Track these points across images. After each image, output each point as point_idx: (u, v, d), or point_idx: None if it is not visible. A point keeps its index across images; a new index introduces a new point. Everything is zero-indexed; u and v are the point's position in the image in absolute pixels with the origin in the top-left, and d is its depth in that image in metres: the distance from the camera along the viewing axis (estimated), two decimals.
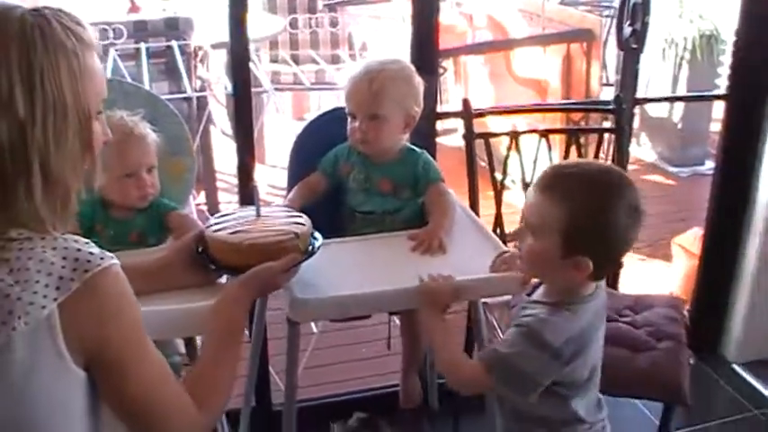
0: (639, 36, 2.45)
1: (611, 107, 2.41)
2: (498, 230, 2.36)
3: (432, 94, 2.39)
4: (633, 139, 5.24)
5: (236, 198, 2.16)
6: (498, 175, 2.38)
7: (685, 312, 2.25)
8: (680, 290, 3.30)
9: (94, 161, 1.20)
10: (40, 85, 1.07)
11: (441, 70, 5.39)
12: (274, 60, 5.48)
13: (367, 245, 1.89)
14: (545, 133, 2.36)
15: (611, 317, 2.17)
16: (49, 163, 1.10)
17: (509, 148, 2.34)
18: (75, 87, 1.11)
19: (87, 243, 1.12)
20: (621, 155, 2.43)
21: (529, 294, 1.55)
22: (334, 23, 5.60)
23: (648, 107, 4.97)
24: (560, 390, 1.49)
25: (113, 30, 3.58)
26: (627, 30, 2.45)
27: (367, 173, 2.02)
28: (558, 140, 2.61)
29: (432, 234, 1.85)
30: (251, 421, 2.32)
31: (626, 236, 1.42)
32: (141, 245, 1.88)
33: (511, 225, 2.32)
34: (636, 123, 5.20)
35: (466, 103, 2.31)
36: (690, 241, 3.28)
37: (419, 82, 2.01)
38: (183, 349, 1.96)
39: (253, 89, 2.28)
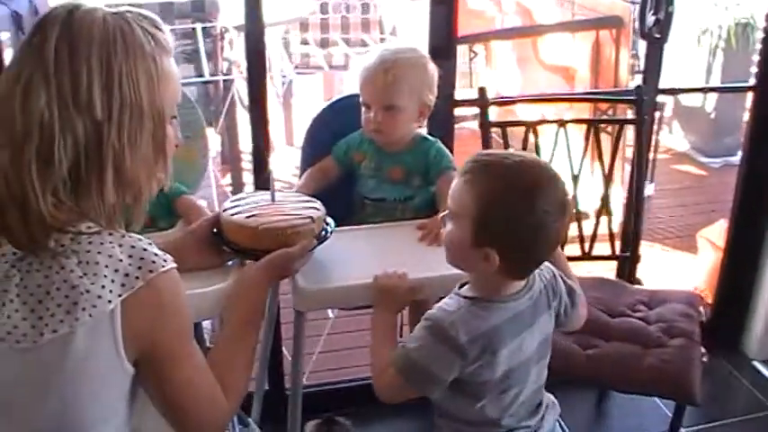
0: (663, 25, 2.39)
1: (632, 97, 2.36)
2: None
3: (449, 81, 2.36)
4: (665, 129, 5.18)
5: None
6: None
7: (701, 309, 2.19)
8: (705, 284, 3.25)
9: (167, 164, 1.23)
10: (119, 88, 1.10)
11: (471, 54, 5.38)
12: (305, 43, 5.49)
13: (374, 233, 1.87)
14: (563, 123, 2.31)
15: (623, 312, 2.15)
16: (124, 163, 1.12)
17: (525, 138, 2.30)
18: (151, 91, 1.14)
19: (151, 244, 1.14)
20: (641, 146, 2.38)
21: (461, 286, 1.47)
22: (365, 7, 5.59)
23: (681, 96, 4.89)
24: (467, 388, 1.43)
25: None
26: (650, 19, 2.39)
27: (378, 161, 2.01)
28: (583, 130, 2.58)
29: (439, 224, 1.82)
30: (264, 404, 2.32)
31: (541, 233, 1.34)
32: (152, 228, 1.88)
33: None
34: (668, 112, 5.14)
35: (482, 91, 2.28)
36: (716, 234, 3.22)
37: (434, 69, 1.99)
38: None
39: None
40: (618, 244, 2.51)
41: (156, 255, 1.13)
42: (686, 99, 4.95)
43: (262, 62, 2.20)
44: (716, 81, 4.72)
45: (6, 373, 1.09)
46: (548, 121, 2.38)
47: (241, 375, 1.35)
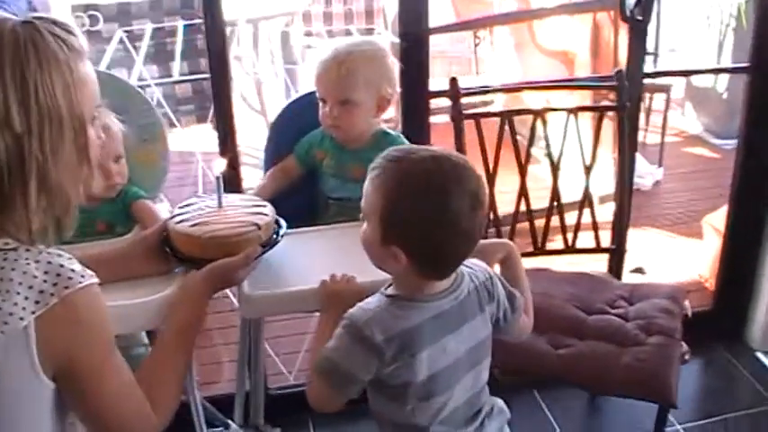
0: (645, 7, 2.29)
1: (612, 84, 2.27)
2: (492, 213, 2.25)
3: (422, 72, 2.29)
4: (678, 110, 5.05)
5: (261, 174, 2.18)
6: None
7: (686, 303, 2.09)
8: (709, 272, 3.15)
9: (92, 167, 1.21)
10: (35, 99, 1.09)
11: (477, 41, 5.29)
12: (308, 34, 5.44)
13: (329, 235, 1.81)
14: (540, 113, 2.23)
15: (601, 309, 2.06)
16: (48, 173, 1.12)
17: (501, 128, 2.22)
18: (69, 97, 1.13)
19: (71, 259, 1.13)
20: (623, 135, 2.29)
21: (388, 287, 1.41)
22: None
23: (693, 77, 4.76)
24: (390, 391, 1.38)
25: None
26: (631, 0, 2.29)
27: (339, 158, 1.95)
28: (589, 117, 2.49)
29: None
30: (245, 405, 2.28)
31: (448, 230, 1.29)
32: (109, 234, 1.87)
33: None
34: (681, 94, 5.01)
35: (453, 81, 2.20)
36: (721, 220, 3.10)
37: (392, 62, 1.94)
38: (146, 340, 1.93)
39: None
40: (609, 235, 2.42)
41: (72, 270, 1.11)
42: (698, 80, 4.82)
43: (223, 60, 2.15)
44: (727, 61, 4.57)
45: None
46: (526, 111, 2.29)
47: (170, 389, 1.32)
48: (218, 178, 1.68)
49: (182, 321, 1.40)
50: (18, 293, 1.07)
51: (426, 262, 1.33)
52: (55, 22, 1.15)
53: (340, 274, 1.53)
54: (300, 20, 5.36)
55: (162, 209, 1.93)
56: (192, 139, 3.93)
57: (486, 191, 1.35)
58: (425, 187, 1.29)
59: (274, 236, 1.61)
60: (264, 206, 1.67)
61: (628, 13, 2.31)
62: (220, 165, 1.66)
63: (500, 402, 1.53)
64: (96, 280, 1.15)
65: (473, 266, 1.44)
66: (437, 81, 2.35)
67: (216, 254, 1.50)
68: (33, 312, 1.07)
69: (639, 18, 2.31)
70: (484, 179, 1.37)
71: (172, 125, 3.63)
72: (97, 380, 1.17)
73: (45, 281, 1.09)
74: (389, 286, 1.41)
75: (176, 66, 3.28)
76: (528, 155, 2.27)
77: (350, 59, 1.85)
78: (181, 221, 1.58)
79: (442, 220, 1.28)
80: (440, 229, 1.29)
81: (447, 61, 6.02)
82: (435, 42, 5.70)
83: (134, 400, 1.23)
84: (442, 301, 1.37)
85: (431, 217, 1.28)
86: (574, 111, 2.25)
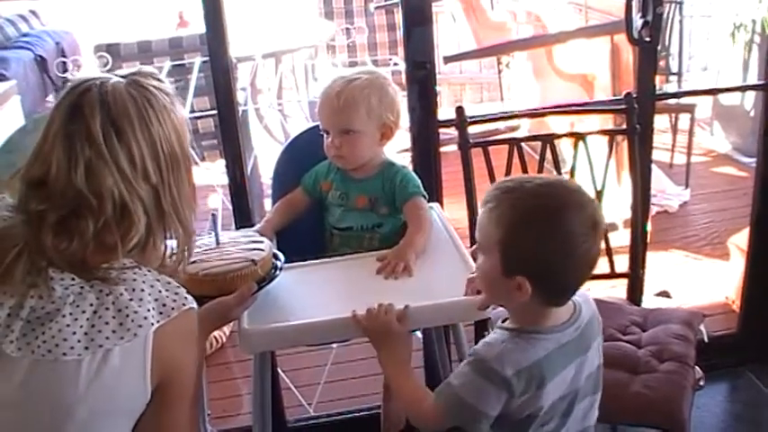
0: (653, 28, 2.26)
1: (621, 107, 2.25)
2: None
3: (430, 103, 2.29)
4: (706, 129, 4.98)
5: None
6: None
7: (701, 328, 2.05)
8: (735, 293, 3.09)
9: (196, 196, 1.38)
10: (162, 151, 1.24)
11: (500, 67, 5.29)
12: (334, 65, 5.48)
13: (331, 268, 1.81)
14: (549, 138, 2.21)
15: (613, 335, 2.03)
16: (179, 210, 1.28)
17: (509, 156, 2.21)
18: (180, 139, 1.29)
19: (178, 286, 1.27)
20: (634, 159, 2.26)
21: (504, 321, 1.44)
22: (391, 26, 5.54)
23: (720, 96, 4.69)
24: (508, 423, 1.38)
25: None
26: (638, 22, 2.27)
27: (344, 189, 1.96)
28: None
29: (398, 255, 1.76)
30: None
31: (570, 256, 1.31)
32: None
33: None
34: (708, 112, 4.95)
35: (459, 110, 2.19)
36: (746, 240, 3.05)
37: (394, 91, 1.93)
38: None
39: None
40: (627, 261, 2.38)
41: (186, 293, 1.25)
42: (725, 99, 4.75)
43: (230, 96, 2.17)
44: (753, 78, 4.50)
45: (42, 383, 1.15)
46: (533, 138, 2.28)
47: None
48: (213, 215, 1.69)
49: None
50: (149, 302, 1.19)
51: (551, 289, 1.35)
52: (151, 75, 1.30)
53: (376, 305, 1.53)
54: (325, 51, 5.41)
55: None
56: (215, 173, 3.97)
57: (603, 213, 1.38)
58: (545, 215, 1.31)
59: (272, 270, 1.62)
60: (261, 242, 1.67)
61: (635, 34, 2.29)
62: (215, 200, 1.67)
63: None
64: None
65: (581, 296, 1.45)
66: (466, 107, 2.32)
67: (211, 291, 1.51)
68: (158, 321, 1.18)
69: (648, 39, 2.28)
70: (597, 202, 1.38)
71: (194, 161, 3.65)
72: (184, 397, 1.27)
73: (167, 295, 1.22)
74: (506, 320, 1.43)
75: (188, 101, 3.31)
76: None
77: (348, 89, 1.85)
78: None
79: (566, 247, 1.30)
80: (563, 256, 1.31)
81: (478, 87, 6.04)
82: (466, 69, 5.74)
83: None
84: (565, 332, 1.39)
85: (554, 244, 1.30)
86: (583, 136, 2.23)
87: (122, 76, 1.27)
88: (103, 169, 1.19)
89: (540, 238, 1.30)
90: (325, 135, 1.92)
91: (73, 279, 1.18)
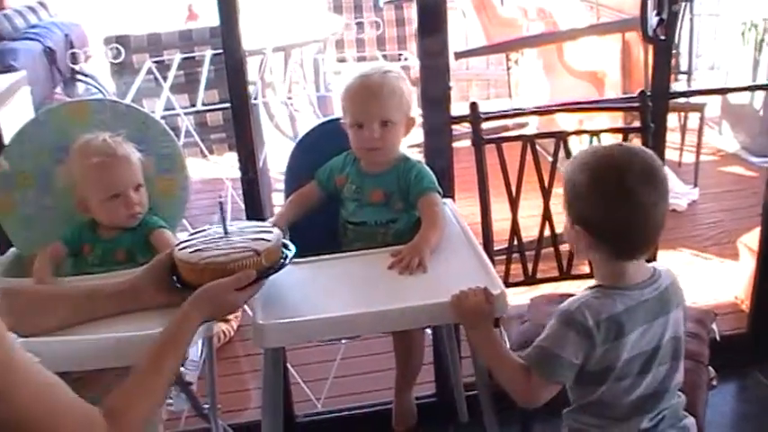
0: (668, 26, 2.25)
1: (636, 104, 2.24)
2: (516, 239, 2.23)
3: (443, 99, 2.28)
4: (715, 128, 4.97)
5: None
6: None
7: (714, 327, 2.04)
8: (744, 293, 3.08)
9: None
10: None
11: (509, 63, 5.27)
12: (341, 60, 5.47)
13: (344, 263, 1.80)
14: (562, 135, 2.21)
15: None
16: None
17: (523, 153, 2.20)
18: None
19: None
20: None
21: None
22: (400, 21, 5.53)
23: (729, 95, 4.68)
24: (588, 376, 1.48)
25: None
26: (654, 20, 2.26)
27: (360, 183, 1.95)
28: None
29: (412, 251, 1.74)
30: None
31: (622, 203, 1.40)
32: (130, 263, 1.86)
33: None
34: (717, 111, 4.93)
35: (473, 106, 2.19)
36: (756, 240, 3.04)
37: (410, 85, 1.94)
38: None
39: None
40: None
41: None
42: (734, 98, 4.74)
43: (243, 88, 2.16)
44: (763, 78, 4.49)
45: None
46: (547, 135, 2.27)
47: (136, 408, 1.26)
48: (220, 203, 1.67)
49: (158, 343, 1.38)
50: None
51: (608, 238, 1.44)
52: None
53: (467, 288, 1.56)
54: (333, 46, 5.40)
55: (182, 238, 1.93)
56: (224, 167, 3.97)
57: (664, 169, 1.47)
58: (595, 161, 1.45)
59: (281, 260, 1.59)
60: (270, 231, 1.63)
61: (651, 32, 2.28)
62: (225, 194, 1.66)
63: (690, 420, 1.61)
64: None
65: (662, 267, 1.55)
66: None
67: (211, 280, 1.49)
68: None
69: (663, 38, 2.27)
70: (659, 161, 1.45)
71: (203, 154, 3.65)
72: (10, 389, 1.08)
73: None
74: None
75: (200, 95, 3.31)
76: (552, 178, 2.24)
77: (388, 80, 1.87)
78: (184, 249, 1.58)
79: (615, 192, 1.40)
80: (613, 201, 1.41)
81: (485, 84, 6.02)
82: (473, 65, 5.72)
83: (60, 405, 1.15)
84: (644, 290, 1.48)
85: (603, 189, 1.41)
86: (597, 133, 2.22)
87: None
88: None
89: (590, 184, 1.42)
90: (356, 128, 1.90)
91: None
